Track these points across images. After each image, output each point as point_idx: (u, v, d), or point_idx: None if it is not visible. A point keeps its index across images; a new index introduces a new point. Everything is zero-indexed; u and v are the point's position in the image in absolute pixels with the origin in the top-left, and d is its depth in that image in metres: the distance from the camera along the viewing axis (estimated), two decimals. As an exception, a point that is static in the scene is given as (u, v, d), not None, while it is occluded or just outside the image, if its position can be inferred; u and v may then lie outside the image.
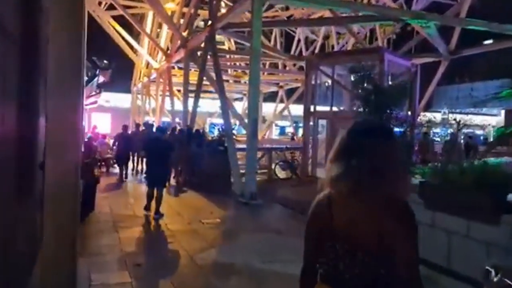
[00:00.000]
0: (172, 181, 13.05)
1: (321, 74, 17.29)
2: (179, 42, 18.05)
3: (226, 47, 27.81)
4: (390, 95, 6.36)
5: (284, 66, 26.08)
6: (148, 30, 24.56)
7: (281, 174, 15.70)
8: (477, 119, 26.01)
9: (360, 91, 7.05)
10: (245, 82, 28.63)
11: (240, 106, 31.78)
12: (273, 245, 7.00)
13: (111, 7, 23.97)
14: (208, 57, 15.34)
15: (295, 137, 20.36)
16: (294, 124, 30.65)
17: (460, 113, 24.28)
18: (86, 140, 15.90)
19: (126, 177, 14.14)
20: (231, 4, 16.30)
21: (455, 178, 5.22)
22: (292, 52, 24.27)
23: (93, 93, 10.98)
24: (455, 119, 9.86)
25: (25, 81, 3.60)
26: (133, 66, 30.55)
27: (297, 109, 30.24)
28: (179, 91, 21.97)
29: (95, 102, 17.83)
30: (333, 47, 25.89)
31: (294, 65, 24.66)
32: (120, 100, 38.15)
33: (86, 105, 12.08)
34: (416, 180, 5.96)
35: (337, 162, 1.70)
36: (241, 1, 11.69)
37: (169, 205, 9.88)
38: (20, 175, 3.47)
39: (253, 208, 10.10)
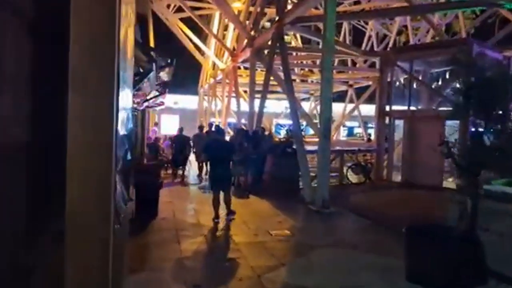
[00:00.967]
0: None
1: (397, 71, 15.88)
2: (245, 41, 17.42)
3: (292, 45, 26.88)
4: (504, 88, 5.11)
5: (354, 64, 24.62)
6: (214, 31, 24.28)
7: (353, 178, 14.52)
8: None
9: (458, 85, 5.82)
10: (312, 81, 27.53)
11: (307, 107, 30.73)
12: (350, 264, 6.00)
13: (179, 9, 24.07)
14: (275, 56, 14.58)
15: (371, 139, 18.92)
16: (364, 125, 28.97)
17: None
18: (152, 142, 15.79)
19: (184, 180, 13.79)
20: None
21: None
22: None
23: (154, 92, 10.55)
24: None
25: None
26: (201, 68, 30.58)
27: (367, 109, 28.65)
28: (245, 92, 21.38)
29: (162, 103, 17.65)
30: (405, 44, 24.09)
31: (365, 62, 23.17)
32: (188, 101, 38.64)
33: (149, 106, 11.67)
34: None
35: None
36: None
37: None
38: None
39: (325, 218, 9.10)
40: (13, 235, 2.37)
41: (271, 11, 21.57)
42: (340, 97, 31.85)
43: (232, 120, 23.72)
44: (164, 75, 8.28)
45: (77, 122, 2.57)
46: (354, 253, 6.56)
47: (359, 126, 41.08)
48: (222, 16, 24.39)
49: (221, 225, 8.20)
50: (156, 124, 19.95)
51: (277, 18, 13.65)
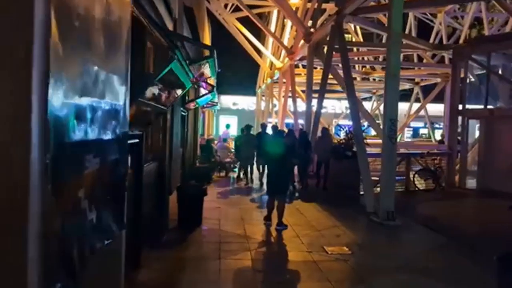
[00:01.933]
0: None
1: (471, 66, 14.12)
2: (302, 40, 16.32)
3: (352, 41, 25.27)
4: None
5: (420, 59, 22.63)
6: (272, 30, 23.37)
7: (421, 184, 12.98)
8: None
9: None
10: (374, 80, 25.82)
11: (368, 107, 29.00)
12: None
13: (236, 9, 23.49)
14: (334, 51, 13.41)
15: (443, 140, 17.01)
16: (431, 126, 26.73)
17: None
18: (204, 143, 15.16)
19: (246, 183, 13.06)
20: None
21: None
22: (429, 44, 20.81)
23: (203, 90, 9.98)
24: None
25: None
26: (259, 68, 29.86)
27: (435, 108, 26.40)
28: (303, 91, 20.24)
29: (215, 103, 17.25)
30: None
31: (433, 57, 21.19)
32: (246, 102, 38.14)
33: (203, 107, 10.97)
34: None
35: None
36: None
37: (286, 221, 8.19)
38: None
39: (390, 232, 7.86)
40: None
41: (330, 7, 20.32)
42: (405, 96, 29.79)
43: (290, 120, 22.66)
44: (207, 69, 7.46)
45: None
46: (428, 281, 5.34)
47: (424, 127, 38.51)
48: (279, 14, 23.49)
49: (270, 236, 7.27)
50: (228, 127, 19.24)
51: (336, 9, 12.47)
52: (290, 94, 19.45)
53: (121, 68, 2.86)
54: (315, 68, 21.19)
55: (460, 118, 13.78)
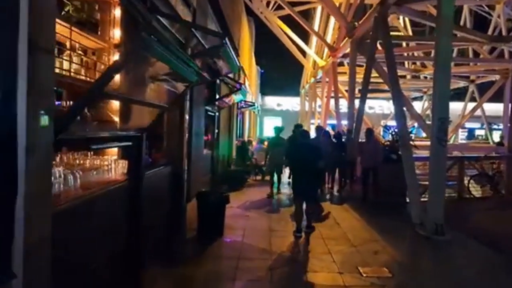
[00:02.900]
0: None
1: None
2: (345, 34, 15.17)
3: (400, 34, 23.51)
4: None
5: (476, 54, 20.67)
6: (315, 28, 22.30)
7: (477, 191, 11.52)
8: None
9: None
10: (425, 77, 24.03)
11: (419, 107, 27.16)
12: None
13: (279, 7, 22.65)
14: (378, 46, 12.24)
15: (502, 142, 15.20)
16: (488, 127, 24.52)
17: None
18: (240, 145, 14.40)
19: (278, 191, 11.25)
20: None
21: None
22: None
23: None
24: None
25: None
26: (303, 69, 28.87)
27: (492, 108, 24.18)
28: (347, 91, 18.98)
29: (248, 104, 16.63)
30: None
31: (491, 52, 19.24)
32: (291, 103, 37.24)
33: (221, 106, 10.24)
34: None
35: None
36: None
37: (319, 232, 7.25)
38: None
39: (439, 249, 6.69)
40: None
41: (374, 1, 18.94)
42: (459, 95, 27.69)
43: (333, 121, 21.45)
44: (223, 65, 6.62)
45: None
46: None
47: (481, 128, 35.81)
48: (323, 11, 22.39)
49: (297, 252, 6.35)
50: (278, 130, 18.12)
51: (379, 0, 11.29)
52: (333, 94, 18.31)
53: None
54: (360, 66, 19.94)
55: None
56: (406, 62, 22.92)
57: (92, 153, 4.19)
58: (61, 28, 3.31)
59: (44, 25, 2.31)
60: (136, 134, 4.41)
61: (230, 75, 11.05)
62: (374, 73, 12.81)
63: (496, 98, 20.86)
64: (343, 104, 17.59)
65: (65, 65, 3.61)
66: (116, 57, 4.46)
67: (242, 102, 16.07)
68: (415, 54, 20.79)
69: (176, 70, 3.93)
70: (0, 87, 1.97)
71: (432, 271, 5.69)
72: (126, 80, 4.46)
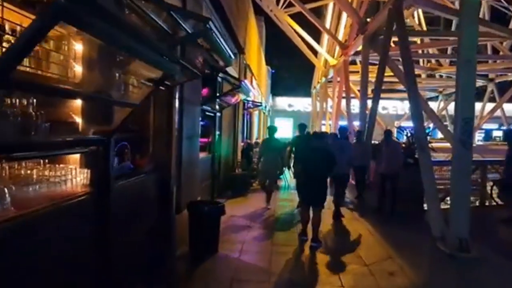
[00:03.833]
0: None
1: None
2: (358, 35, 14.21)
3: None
4: None
5: (495, 51, 19.47)
6: (327, 26, 21.36)
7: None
8: None
9: None
10: (441, 76, 22.91)
11: (434, 107, 25.96)
12: None
13: (289, 5, 21.81)
14: (392, 41, 11.33)
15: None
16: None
17: None
18: (246, 147, 13.57)
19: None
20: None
21: None
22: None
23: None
24: None
25: None
26: (314, 69, 27.92)
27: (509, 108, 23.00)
28: (359, 91, 17.99)
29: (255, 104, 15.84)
30: None
31: (512, 49, 18.11)
32: (302, 104, 36.35)
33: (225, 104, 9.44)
34: None
35: None
36: None
37: (326, 246, 6.41)
38: None
39: (464, 268, 5.77)
40: None
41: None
42: (476, 94, 26.41)
43: (344, 122, 20.48)
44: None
45: None
46: None
47: (498, 129, 34.47)
48: (335, 7, 21.46)
49: (300, 273, 5.50)
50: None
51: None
52: (344, 94, 17.34)
53: None
54: (373, 64, 18.95)
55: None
56: (420, 60, 21.84)
57: (46, 161, 3.43)
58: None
59: None
60: (101, 138, 3.63)
61: (235, 74, 10.28)
62: (387, 72, 11.89)
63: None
64: (355, 104, 16.66)
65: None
66: (78, 46, 3.71)
67: (250, 102, 15.31)
68: (430, 51, 19.72)
69: (142, 58, 3.14)
70: None
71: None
72: (93, 73, 3.70)
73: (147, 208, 5.11)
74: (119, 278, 3.93)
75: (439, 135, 15.60)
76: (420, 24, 22.28)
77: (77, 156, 3.82)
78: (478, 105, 22.77)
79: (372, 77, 14.34)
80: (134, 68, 3.96)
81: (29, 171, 3.19)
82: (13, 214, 2.65)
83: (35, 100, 2.97)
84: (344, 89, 17.09)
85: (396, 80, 19.59)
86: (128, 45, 2.61)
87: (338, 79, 18.92)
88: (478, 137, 32.03)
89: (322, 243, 6.57)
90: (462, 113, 6.27)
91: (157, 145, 5.54)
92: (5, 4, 2.75)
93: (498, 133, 35.36)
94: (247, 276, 5.18)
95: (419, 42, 19.71)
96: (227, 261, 5.68)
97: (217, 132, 9.59)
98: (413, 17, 21.28)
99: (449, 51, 20.37)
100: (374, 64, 15.98)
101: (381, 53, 11.23)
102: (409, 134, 10.32)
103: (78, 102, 3.69)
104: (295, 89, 36.50)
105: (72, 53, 3.66)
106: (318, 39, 22.99)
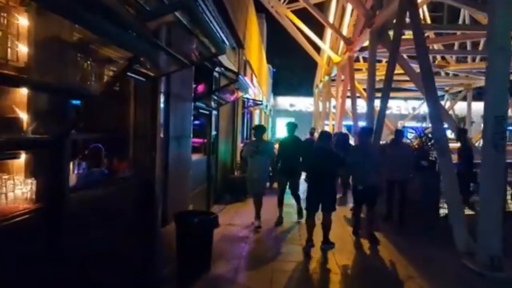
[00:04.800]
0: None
1: None
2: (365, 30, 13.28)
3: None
4: None
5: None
6: (330, 21, 20.46)
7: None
8: None
9: None
10: (447, 74, 22.02)
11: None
12: None
13: (291, 0, 20.99)
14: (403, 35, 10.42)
15: None
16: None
17: None
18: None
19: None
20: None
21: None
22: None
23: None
24: None
25: None
26: (316, 68, 27.02)
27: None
28: (365, 90, 17.01)
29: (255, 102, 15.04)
30: None
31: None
32: (304, 103, 35.48)
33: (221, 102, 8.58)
34: None
35: None
36: None
37: (334, 261, 5.53)
38: None
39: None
40: None
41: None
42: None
43: (349, 122, 19.55)
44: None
45: None
46: None
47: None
48: (338, 3, 20.60)
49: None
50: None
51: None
52: (349, 94, 16.40)
53: None
54: (381, 61, 18.05)
55: None
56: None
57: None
58: None
59: None
60: (50, 139, 2.76)
61: (234, 68, 9.38)
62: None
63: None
64: (359, 104, 15.76)
65: None
66: (23, 20, 2.84)
67: (250, 100, 14.46)
68: (435, 47, 18.82)
69: (98, 31, 2.28)
70: None
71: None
72: (42, 55, 2.84)
73: (124, 222, 4.25)
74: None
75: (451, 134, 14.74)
76: (424, 18, 21.35)
77: (22, 161, 2.95)
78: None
79: (379, 75, 13.49)
80: (96, 50, 3.10)
81: None
82: None
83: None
84: (348, 88, 16.19)
85: (400, 78, 18.77)
86: (81, 16, 1.75)
87: (342, 77, 18.03)
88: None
89: (334, 245, 6.06)
90: (493, 111, 5.38)
91: (139, 147, 4.68)
92: None
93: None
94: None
95: (425, 35, 18.77)
96: (220, 283, 4.80)
97: (214, 132, 8.73)
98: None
99: (456, 46, 19.46)
100: (379, 61, 15.15)
101: (391, 47, 10.31)
102: (422, 133, 9.41)
103: (22, 92, 2.83)
104: (297, 88, 35.68)
105: (15, 29, 2.79)
106: (320, 36, 22.14)
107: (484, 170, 5.68)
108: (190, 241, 4.92)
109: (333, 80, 21.14)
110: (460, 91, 24.96)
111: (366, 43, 13.23)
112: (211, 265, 5.09)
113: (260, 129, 8.01)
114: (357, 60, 18.55)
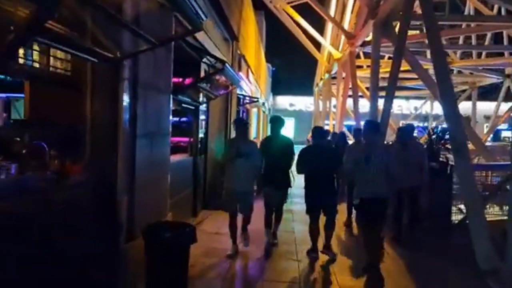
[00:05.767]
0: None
1: None
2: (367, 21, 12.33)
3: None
4: None
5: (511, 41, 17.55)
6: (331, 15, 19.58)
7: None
8: None
9: None
10: (451, 71, 21.11)
11: (439, 107, 24.17)
12: None
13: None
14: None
15: None
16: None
17: None
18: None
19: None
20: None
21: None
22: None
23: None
24: None
25: None
26: (316, 67, 26.18)
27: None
28: (367, 88, 15.99)
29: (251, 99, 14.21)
30: None
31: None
32: (304, 103, 34.72)
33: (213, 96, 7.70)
34: None
35: None
36: None
37: (335, 280, 4.65)
38: None
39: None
40: None
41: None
42: (489, 92, 24.77)
43: (351, 122, 18.62)
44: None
45: None
46: None
47: (507, 129, 32.79)
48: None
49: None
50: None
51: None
52: (350, 92, 15.43)
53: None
54: (384, 57, 17.05)
55: None
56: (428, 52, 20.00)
57: None
58: None
59: None
60: None
61: (223, 57, 8.47)
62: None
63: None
64: (360, 103, 14.82)
65: None
66: None
67: (246, 97, 13.59)
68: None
69: None
70: None
71: None
72: None
73: (74, 241, 3.36)
74: None
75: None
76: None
77: None
78: (490, 105, 21.09)
79: (383, 72, 12.62)
80: None
81: None
82: None
83: None
84: (350, 85, 15.26)
85: (402, 76, 17.80)
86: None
87: (343, 74, 17.13)
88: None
89: (336, 255, 5.47)
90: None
91: (97, 146, 3.80)
92: None
93: (507, 134, 33.57)
94: None
95: (425, 31, 17.78)
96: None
97: (202, 130, 7.85)
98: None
99: (461, 40, 18.51)
100: (383, 57, 14.25)
101: (398, 41, 9.38)
102: (436, 131, 8.49)
103: None
104: (296, 87, 34.90)
105: None
106: (321, 32, 21.29)
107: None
108: (161, 260, 4.02)
109: (334, 77, 20.24)
110: (464, 90, 24.07)
111: (369, 38, 12.35)
112: (187, 288, 4.20)
113: (241, 125, 5.85)
114: (358, 56, 17.70)
